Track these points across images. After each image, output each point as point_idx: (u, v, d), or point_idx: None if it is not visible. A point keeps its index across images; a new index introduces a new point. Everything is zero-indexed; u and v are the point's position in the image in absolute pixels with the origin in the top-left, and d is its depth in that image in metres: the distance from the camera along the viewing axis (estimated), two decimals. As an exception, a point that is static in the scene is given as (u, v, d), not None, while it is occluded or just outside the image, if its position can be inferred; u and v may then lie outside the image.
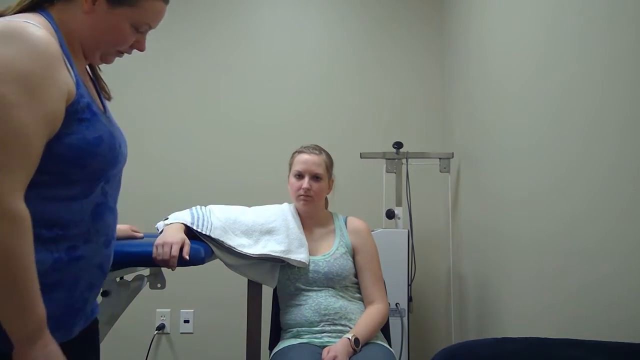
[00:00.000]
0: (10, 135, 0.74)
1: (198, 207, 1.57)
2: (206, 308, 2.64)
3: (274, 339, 1.71)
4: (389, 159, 2.34)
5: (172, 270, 1.26)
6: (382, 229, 2.18)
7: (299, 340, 1.55)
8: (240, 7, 2.78)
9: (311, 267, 1.61)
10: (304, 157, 1.69)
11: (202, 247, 1.37)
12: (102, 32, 0.92)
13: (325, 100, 2.73)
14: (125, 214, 2.41)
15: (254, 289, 1.68)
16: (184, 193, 2.66)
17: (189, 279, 2.55)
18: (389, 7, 2.77)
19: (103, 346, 1.49)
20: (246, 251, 1.52)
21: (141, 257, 1.26)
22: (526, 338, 0.94)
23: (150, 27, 1.00)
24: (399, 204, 2.31)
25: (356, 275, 1.68)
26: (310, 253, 1.65)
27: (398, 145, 2.33)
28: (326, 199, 1.80)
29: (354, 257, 1.69)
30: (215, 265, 1.73)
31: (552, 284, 1.34)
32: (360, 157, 2.37)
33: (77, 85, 0.84)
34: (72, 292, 0.87)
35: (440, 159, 2.37)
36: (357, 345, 1.47)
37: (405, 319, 2.11)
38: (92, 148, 0.85)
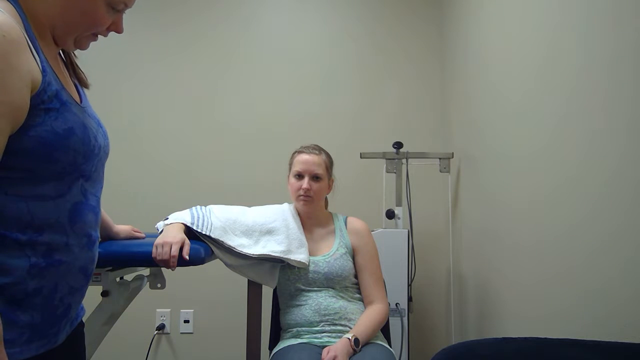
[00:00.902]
0: None
1: (198, 207, 1.57)
2: (206, 308, 2.64)
3: (274, 339, 1.71)
4: (389, 159, 2.34)
5: (172, 270, 1.26)
6: (382, 229, 2.18)
7: (298, 340, 1.55)
8: (240, 6, 2.78)
9: (311, 268, 1.61)
10: (304, 157, 1.68)
11: (202, 247, 1.37)
12: (75, 15, 0.84)
13: (325, 100, 2.73)
14: (124, 214, 2.42)
15: (254, 289, 1.68)
16: (183, 193, 2.67)
17: (189, 279, 2.56)
18: (390, 6, 2.77)
19: (103, 346, 1.50)
20: (246, 251, 1.52)
21: (141, 257, 1.26)
22: (526, 338, 0.94)
23: (127, 6, 0.90)
24: (399, 204, 2.31)
25: (356, 276, 1.68)
26: (310, 253, 1.65)
27: (398, 145, 2.33)
28: (326, 199, 1.80)
29: (353, 258, 1.69)
30: (215, 265, 1.73)
31: (552, 284, 1.34)
32: (360, 157, 2.37)
33: (44, 72, 0.77)
34: (51, 298, 0.81)
35: (440, 159, 2.37)
36: (357, 345, 1.47)
37: (405, 319, 2.11)
38: (61, 141, 0.78)
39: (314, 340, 1.54)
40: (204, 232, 1.46)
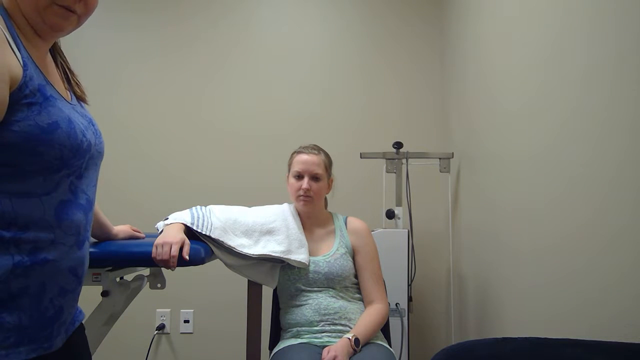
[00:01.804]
0: None
1: (198, 207, 1.57)
2: (206, 308, 2.64)
3: (274, 339, 1.71)
4: (389, 159, 2.34)
5: (172, 270, 1.26)
6: (382, 229, 2.18)
7: (299, 340, 1.55)
8: (239, 6, 2.78)
9: (311, 268, 1.61)
10: (303, 157, 1.68)
11: (202, 247, 1.37)
12: None
13: (325, 100, 2.73)
14: (123, 216, 2.42)
15: (254, 289, 1.68)
16: (182, 194, 2.67)
17: (189, 279, 2.56)
18: (390, 6, 2.77)
19: (103, 346, 1.50)
20: (246, 251, 1.52)
21: (141, 257, 1.26)
22: (526, 338, 0.94)
23: None
24: (399, 204, 2.31)
25: (356, 276, 1.68)
26: (311, 253, 1.65)
27: (398, 145, 2.33)
28: (325, 199, 1.80)
29: (354, 258, 1.69)
30: (215, 266, 1.73)
31: (553, 284, 1.34)
32: (360, 157, 2.37)
33: (25, 67, 0.77)
34: (39, 299, 0.79)
35: (440, 159, 2.37)
36: (357, 345, 1.47)
37: (405, 319, 2.11)
38: (45, 135, 0.77)
39: (314, 340, 1.54)
40: (204, 232, 1.46)
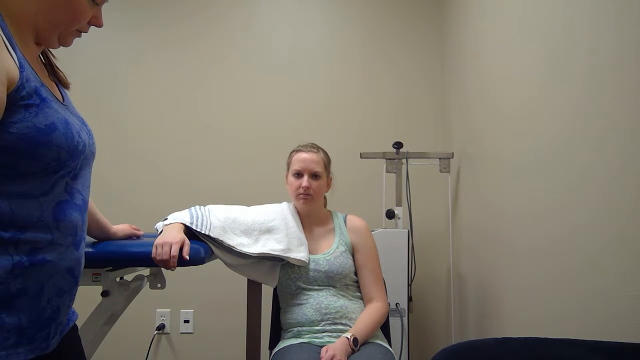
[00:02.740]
0: None
1: (197, 207, 1.57)
2: (206, 308, 2.64)
3: (274, 339, 1.71)
4: (389, 159, 2.34)
5: (172, 270, 1.26)
6: (382, 229, 2.18)
7: (299, 340, 1.54)
8: (239, 6, 2.78)
9: (312, 266, 1.61)
10: (302, 155, 1.69)
11: (202, 247, 1.37)
12: (57, 10, 0.85)
13: (325, 100, 2.73)
14: (122, 215, 2.41)
15: (254, 289, 1.68)
16: (182, 195, 2.67)
17: (189, 279, 2.56)
18: (390, 7, 2.77)
19: (103, 346, 1.50)
20: (246, 250, 1.52)
21: (141, 257, 1.26)
22: (526, 338, 0.94)
23: None
24: (399, 204, 2.31)
25: (356, 274, 1.69)
26: (310, 252, 1.65)
27: (398, 145, 2.33)
28: (325, 197, 1.80)
29: (353, 255, 1.69)
30: (215, 265, 1.73)
31: (553, 284, 1.34)
32: (360, 157, 2.37)
33: (21, 68, 0.77)
34: (38, 299, 0.80)
35: (440, 159, 2.37)
36: (356, 344, 1.47)
37: (405, 319, 2.11)
38: (43, 137, 0.78)
39: (314, 340, 1.54)
40: (203, 232, 1.46)
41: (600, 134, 1.11)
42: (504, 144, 1.74)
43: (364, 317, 1.57)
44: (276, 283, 1.65)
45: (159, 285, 1.43)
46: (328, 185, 1.75)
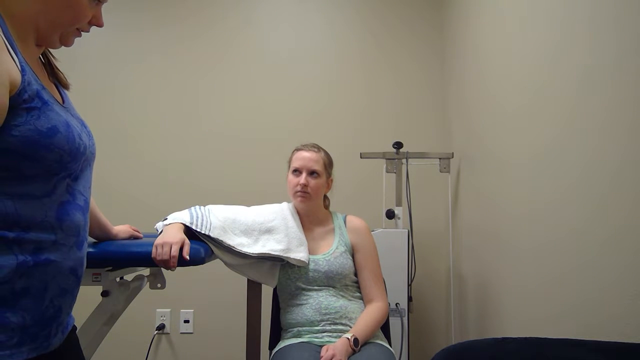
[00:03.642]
0: None
1: (197, 207, 1.57)
2: (206, 308, 2.64)
3: (274, 339, 1.71)
4: (389, 159, 2.34)
5: (172, 270, 1.26)
6: (382, 229, 2.18)
7: (299, 340, 1.55)
8: (239, 6, 2.78)
9: (311, 266, 1.61)
10: (302, 154, 1.69)
11: (202, 247, 1.37)
12: (59, 11, 0.85)
13: (325, 100, 2.73)
14: (122, 215, 2.41)
15: (253, 289, 1.68)
16: (181, 196, 2.67)
17: (189, 279, 2.56)
18: (390, 6, 2.77)
19: (103, 346, 1.50)
20: (246, 250, 1.52)
21: (141, 257, 1.26)
22: (526, 338, 0.94)
23: None
24: (399, 204, 2.31)
25: (356, 274, 1.69)
26: (310, 252, 1.65)
27: (398, 145, 2.33)
28: (328, 199, 1.80)
29: (353, 256, 1.69)
30: (215, 265, 1.73)
31: (553, 284, 1.34)
32: (360, 157, 2.37)
33: (23, 71, 0.77)
34: (41, 299, 0.80)
35: (440, 159, 2.37)
36: (357, 345, 1.47)
37: (405, 319, 2.11)
38: (45, 139, 0.78)
39: (314, 340, 1.54)
40: (203, 232, 1.46)
41: (600, 133, 1.11)
42: (504, 144, 1.74)
43: (364, 318, 1.57)
44: (276, 283, 1.65)
45: (159, 285, 1.43)
46: (328, 187, 1.75)
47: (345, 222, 1.75)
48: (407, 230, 2.18)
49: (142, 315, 2.60)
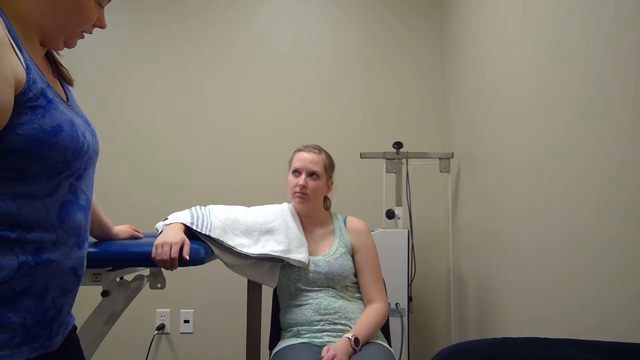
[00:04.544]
0: None
1: (197, 207, 1.57)
2: (206, 308, 2.64)
3: (274, 339, 1.71)
4: (389, 159, 2.34)
5: (172, 270, 1.26)
6: (382, 229, 2.18)
7: (299, 340, 1.55)
8: (239, 7, 2.78)
9: (311, 267, 1.61)
10: (303, 155, 1.69)
11: (202, 247, 1.37)
12: (66, 14, 0.86)
13: (325, 100, 2.73)
14: (122, 215, 2.41)
15: (254, 289, 1.68)
16: (181, 196, 2.67)
17: (189, 279, 2.56)
18: (390, 6, 2.77)
19: (103, 346, 1.50)
20: (246, 251, 1.52)
21: (141, 257, 1.26)
22: (526, 338, 0.94)
23: (109, 0, 0.94)
24: (399, 204, 2.31)
25: (356, 275, 1.69)
26: (310, 253, 1.65)
27: (398, 145, 2.33)
28: (329, 200, 1.80)
29: (353, 257, 1.69)
30: (215, 265, 1.73)
31: (553, 284, 1.34)
32: (360, 157, 2.37)
33: (28, 70, 0.77)
34: (42, 299, 0.80)
35: (440, 159, 2.37)
36: (357, 344, 1.47)
37: (405, 319, 2.11)
38: (49, 138, 0.78)
39: (314, 340, 1.54)
40: (203, 232, 1.46)
41: (599, 133, 1.11)
42: (504, 144, 1.74)
43: (364, 318, 1.57)
44: (276, 284, 1.65)
45: (159, 285, 1.43)
46: (328, 188, 1.75)
47: (345, 223, 1.75)
48: (407, 230, 2.18)
49: (142, 315, 2.60)
